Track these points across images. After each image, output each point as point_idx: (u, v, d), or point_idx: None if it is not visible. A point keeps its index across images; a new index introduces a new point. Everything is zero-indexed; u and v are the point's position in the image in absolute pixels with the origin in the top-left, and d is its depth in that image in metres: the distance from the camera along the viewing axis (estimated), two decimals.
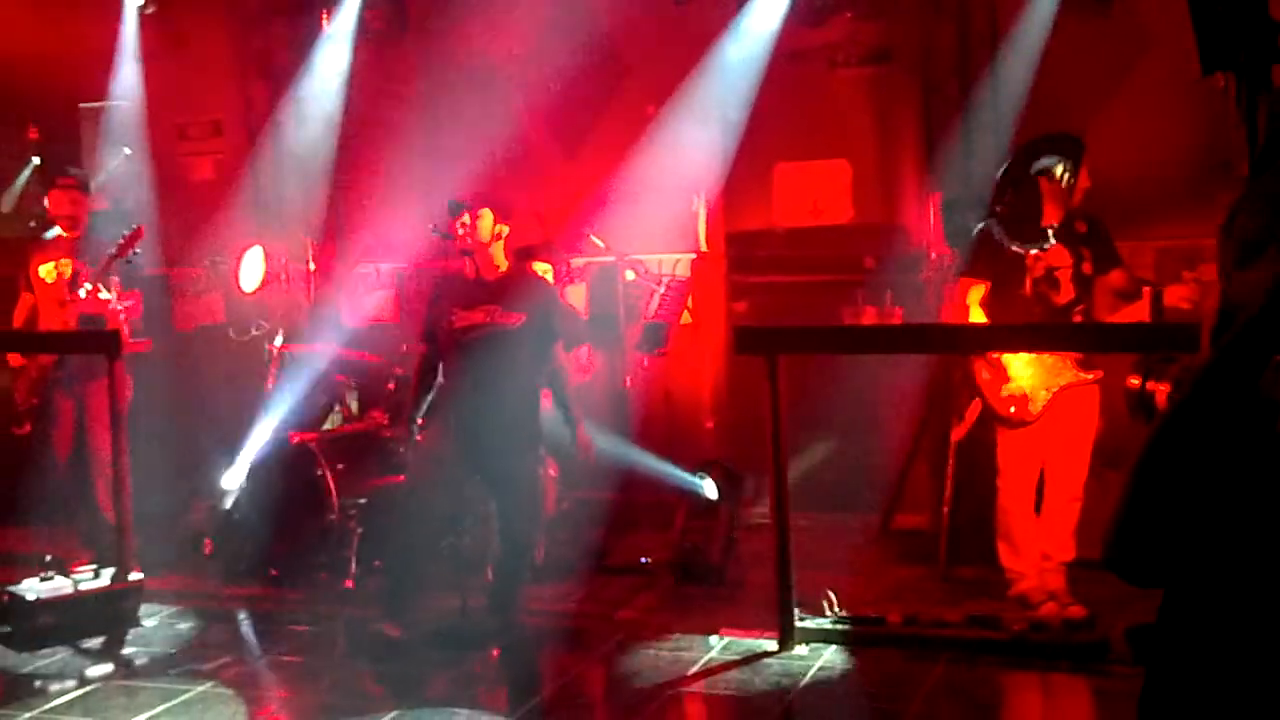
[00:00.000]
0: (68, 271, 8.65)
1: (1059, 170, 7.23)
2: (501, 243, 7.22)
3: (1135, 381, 6.27)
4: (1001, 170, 7.46)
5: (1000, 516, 7.47)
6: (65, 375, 8.69)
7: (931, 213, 8.72)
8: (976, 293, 7.34)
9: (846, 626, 7.14)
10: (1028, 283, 7.27)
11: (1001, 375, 7.29)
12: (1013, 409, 7.27)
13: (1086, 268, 7.27)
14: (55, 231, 8.90)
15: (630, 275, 9.18)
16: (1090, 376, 7.24)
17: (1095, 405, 7.30)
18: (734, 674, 6.98)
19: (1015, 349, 7.39)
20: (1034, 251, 7.22)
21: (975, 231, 7.48)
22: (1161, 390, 3.90)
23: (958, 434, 7.82)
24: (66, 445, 8.77)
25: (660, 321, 9.08)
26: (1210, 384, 2.05)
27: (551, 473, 8.45)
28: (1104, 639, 6.66)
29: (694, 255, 9.66)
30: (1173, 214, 8.47)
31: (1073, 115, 8.69)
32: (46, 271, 8.73)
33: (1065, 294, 7.26)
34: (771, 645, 7.07)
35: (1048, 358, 7.23)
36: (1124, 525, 2.04)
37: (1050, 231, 7.20)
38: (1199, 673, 2.13)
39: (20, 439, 8.82)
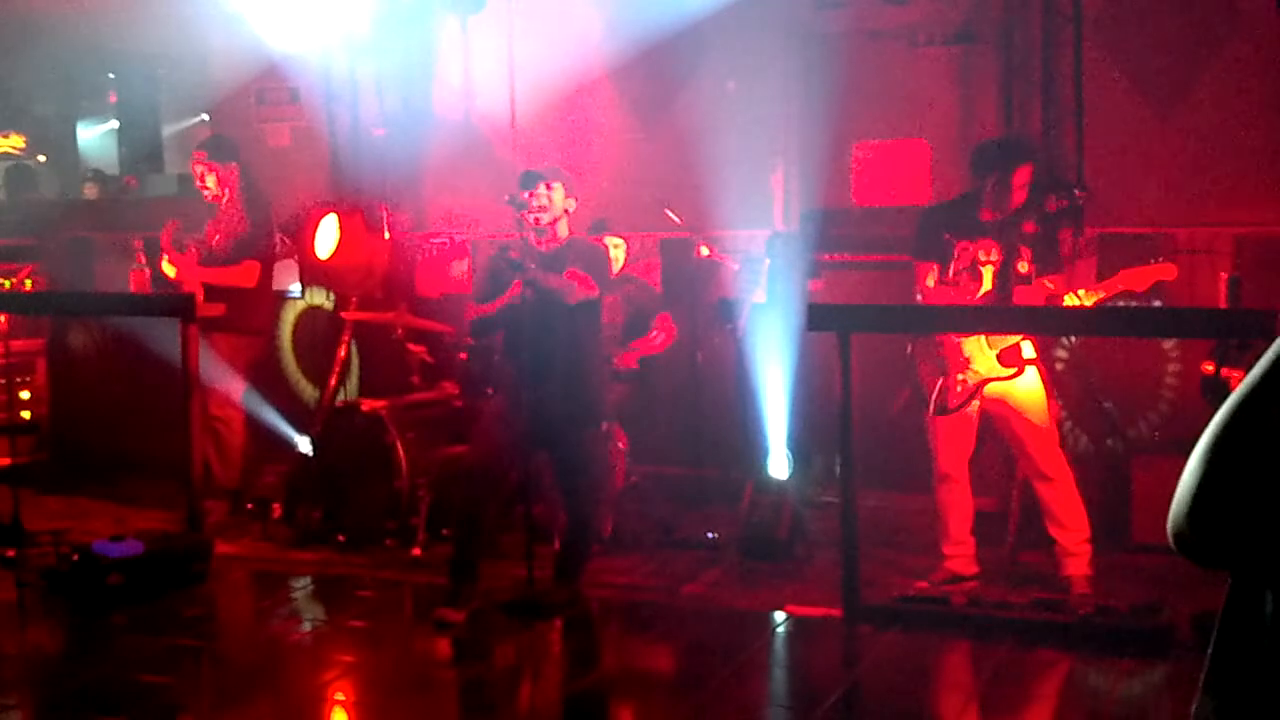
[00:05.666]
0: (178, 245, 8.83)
1: (998, 172, 7.31)
2: (567, 218, 7.23)
3: (1210, 367, 6.24)
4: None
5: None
6: None
7: None
8: (931, 274, 7.45)
9: (911, 606, 7.10)
10: (950, 269, 7.34)
11: (956, 364, 7.33)
12: (937, 395, 7.38)
13: (1021, 266, 7.24)
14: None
15: (704, 251, 9.17)
16: (1008, 373, 7.24)
17: (1033, 397, 7.32)
18: (797, 651, 6.96)
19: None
20: (961, 241, 7.33)
21: (921, 214, 7.69)
22: (1236, 376, 3.86)
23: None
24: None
25: (733, 298, 9.07)
26: None
27: (621, 446, 8.45)
28: (1170, 624, 6.59)
29: (770, 232, 9.62)
30: (1252, 200, 8.37)
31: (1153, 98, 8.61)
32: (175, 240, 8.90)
33: (981, 286, 7.29)
34: (836, 623, 7.04)
35: (983, 351, 7.31)
36: (1195, 501, 2.01)
37: (980, 225, 7.32)
38: (1265, 657, 2.10)
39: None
